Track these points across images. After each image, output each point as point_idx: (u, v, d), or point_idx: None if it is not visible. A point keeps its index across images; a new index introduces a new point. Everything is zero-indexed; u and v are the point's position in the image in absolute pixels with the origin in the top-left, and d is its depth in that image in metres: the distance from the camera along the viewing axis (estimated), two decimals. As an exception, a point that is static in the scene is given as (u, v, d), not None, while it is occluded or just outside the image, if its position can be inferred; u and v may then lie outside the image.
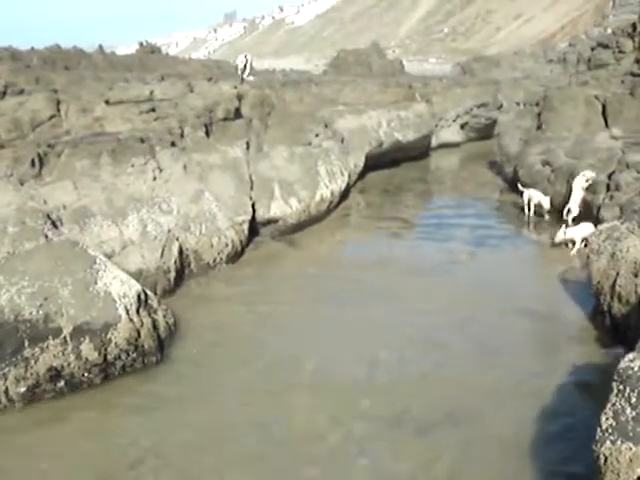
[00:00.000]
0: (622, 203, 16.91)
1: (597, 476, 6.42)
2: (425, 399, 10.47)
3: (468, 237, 19.20)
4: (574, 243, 16.71)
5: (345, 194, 22.86)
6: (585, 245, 15.76)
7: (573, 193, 18.21)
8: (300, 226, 19.71)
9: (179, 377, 11.53)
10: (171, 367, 11.83)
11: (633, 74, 26.13)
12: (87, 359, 10.93)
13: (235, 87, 23.92)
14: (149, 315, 12.12)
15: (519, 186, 20.90)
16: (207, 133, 19.62)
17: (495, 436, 9.38)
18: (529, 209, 20.01)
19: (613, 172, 18.59)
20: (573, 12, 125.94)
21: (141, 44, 48.26)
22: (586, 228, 16.47)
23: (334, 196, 21.36)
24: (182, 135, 18.77)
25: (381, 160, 27.38)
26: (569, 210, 18.16)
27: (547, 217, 19.74)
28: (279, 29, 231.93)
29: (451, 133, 35.00)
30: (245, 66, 29.57)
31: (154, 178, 16.71)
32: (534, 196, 19.94)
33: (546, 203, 19.61)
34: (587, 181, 18.07)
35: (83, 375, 10.94)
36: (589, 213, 17.88)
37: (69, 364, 10.81)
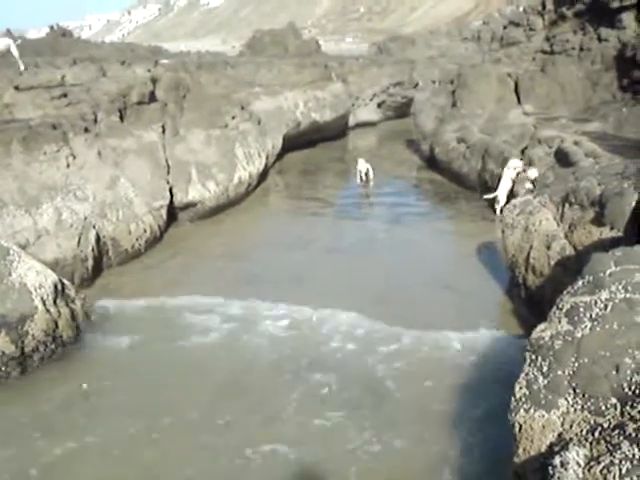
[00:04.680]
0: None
1: (513, 444, 6.59)
2: (350, 380, 10.55)
3: (386, 215, 19.46)
4: None
5: (263, 176, 22.86)
6: None
7: (502, 182, 17.81)
8: (219, 209, 19.64)
9: (99, 367, 11.36)
10: (91, 357, 11.66)
11: (543, 51, 26.67)
12: (3, 352, 10.71)
13: (149, 70, 23.54)
14: (67, 305, 11.94)
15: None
16: (121, 118, 19.29)
17: (417, 411, 9.54)
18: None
19: (526, 147, 18.98)
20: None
21: (52, 28, 47.16)
22: None
23: (252, 178, 21.34)
24: (95, 120, 18.39)
25: (299, 141, 27.42)
26: (496, 198, 17.80)
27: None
28: (194, 10, 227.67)
29: (368, 112, 35.23)
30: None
31: (68, 165, 16.36)
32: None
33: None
34: (516, 170, 17.83)
35: (0, 369, 10.72)
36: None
37: (-16, 358, 10.58)
